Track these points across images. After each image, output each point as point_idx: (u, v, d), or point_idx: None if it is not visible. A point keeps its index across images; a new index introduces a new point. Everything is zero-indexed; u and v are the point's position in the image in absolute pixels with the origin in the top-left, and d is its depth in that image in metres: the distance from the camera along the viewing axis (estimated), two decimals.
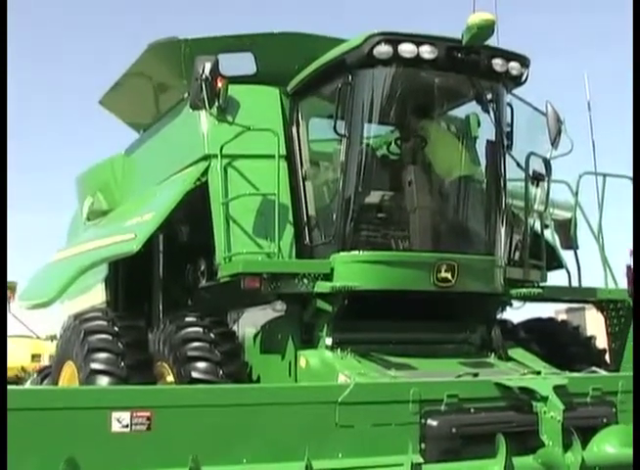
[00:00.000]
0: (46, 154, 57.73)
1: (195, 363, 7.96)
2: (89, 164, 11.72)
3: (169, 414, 5.63)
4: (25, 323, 21.15)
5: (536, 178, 9.14)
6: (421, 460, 6.06)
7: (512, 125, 8.87)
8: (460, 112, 9.34)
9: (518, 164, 8.96)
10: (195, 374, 7.88)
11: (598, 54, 52.52)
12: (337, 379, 7.47)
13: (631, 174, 9.60)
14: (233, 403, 5.88)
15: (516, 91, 8.98)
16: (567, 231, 10.29)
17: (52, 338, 17.30)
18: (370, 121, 8.52)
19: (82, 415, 5.42)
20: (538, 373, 7.85)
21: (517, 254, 9.16)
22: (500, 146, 8.69)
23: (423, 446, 6.31)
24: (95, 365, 8.10)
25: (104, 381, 7.97)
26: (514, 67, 8.42)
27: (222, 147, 8.46)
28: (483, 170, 8.98)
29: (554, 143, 9.16)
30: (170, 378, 8.27)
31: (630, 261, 9.67)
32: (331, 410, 6.05)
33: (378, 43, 8.02)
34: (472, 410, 6.63)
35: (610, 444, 6.77)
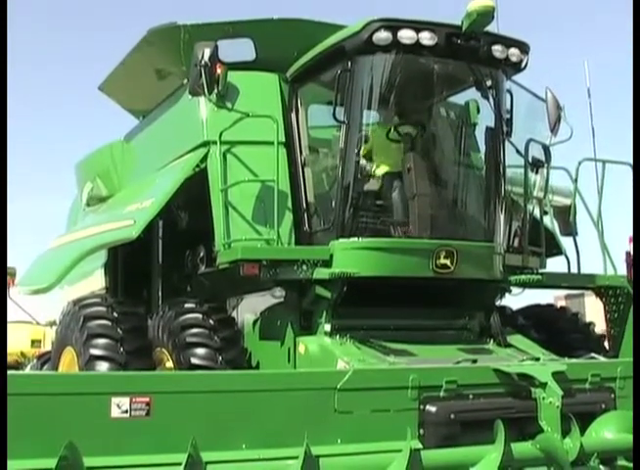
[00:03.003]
0: (45, 139, 57.59)
1: (194, 349, 7.99)
2: (89, 149, 11.75)
3: (169, 400, 5.61)
4: (25, 309, 21.17)
5: (536, 165, 9.14)
6: (420, 446, 6.02)
7: (511, 112, 8.86)
8: (459, 98, 9.35)
9: (517, 151, 8.95)
10: (194, 360, 7.91)
11: (599, 41, 52.35)
12: (336, 365, 7.46)
13: (631, 161, 9.61)
14: (232, 389, 5.86)
15: (515, 77, 8.97)
16: (566, 218, 10.29)
17: (51, 323, 17.31)
18: (369, 108, 8.53)
19: (82, 401, 5.40)
20: (537, 359, 7.83)
21: (516, 240, 9.18)
22: (500, 132, 8.68)
23: (422, 431, 6.28)
24: (94, 351, 8.13)
25: (103, 367, 8.00)
26: (513, 53, 8.40)
27: (221, 133, 8.47)
28: (483, 157, 9.01)
29: (553, 129, 9.17)
30: (170, 364, 8.29)
31: (629, 248, 9.74)
32: (330, 396, 6.03)
33: (377, 29, 8.01)
34: (470, 396, 6.60)
35: (608, 429, 6.76)
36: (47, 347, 18.07)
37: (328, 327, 8.06)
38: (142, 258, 10.44)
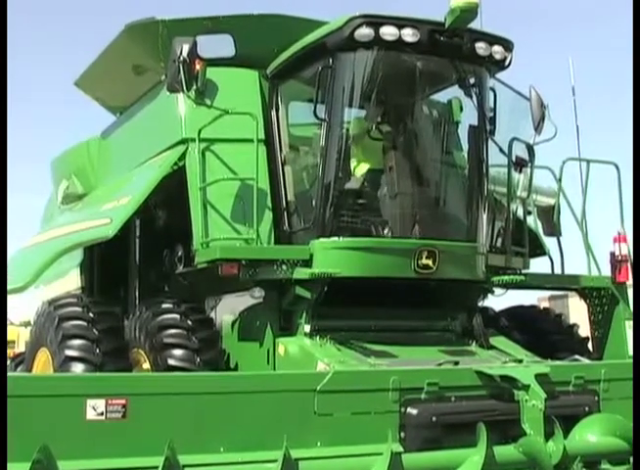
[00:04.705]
0: (20, 136, 57.23)
1: (171, 351, 7.93)
2: (64, 146, 11.70)
3: (145, 402, 5.60)
4: None
5: (519, 164, 9.05)
6: (401, 449, 6.05)
7: (495, 110, 8.83)
8: (442, 96, 9.31)
9: (500, 150, 8.87)
10: (171, 362, 7.85)
11: (583, 37, 52.54)
12: (316, 367, 7.41)
13: (616, 160, 9.77)
14: (210, 391, 5.86)
15: (499, 75, 8.91)
16: (550, 218, 10.28)
17: (26, 324, 17.17)
18: (351, 105, 8.45)
19: (56, 403, 5.40)
20: (520, 361, 7.83)
21: (499, 240, 9.10)
22: (483, 131, 8.63)
23: (403, 434, 6.30)
24: (69, 352, 8.05)
25: (78, 368, 7.91)
26: (497, 50, 8.35)
27: (200, 131, 8.39)
28: (466, 156, 8.94)
29: (537, 128, 9.11)
30: (146, 365, 8.24)
31: (614, 249, 9.71)
32: (309, 399, 6.05)
33: (359, 26, 7.95)
34: (452, 399, 6.62)
35: (592, 432, 6.79)
36: (21, 347, 17.94)
37: (308, 328, 8.03)
38: (119, 258, 10.36)
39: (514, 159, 8.96)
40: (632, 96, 9.31)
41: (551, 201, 10.30)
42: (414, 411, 6.37)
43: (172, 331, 8.06)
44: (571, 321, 10.31)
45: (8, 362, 12.95)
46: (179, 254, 9.25)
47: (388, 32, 7.94)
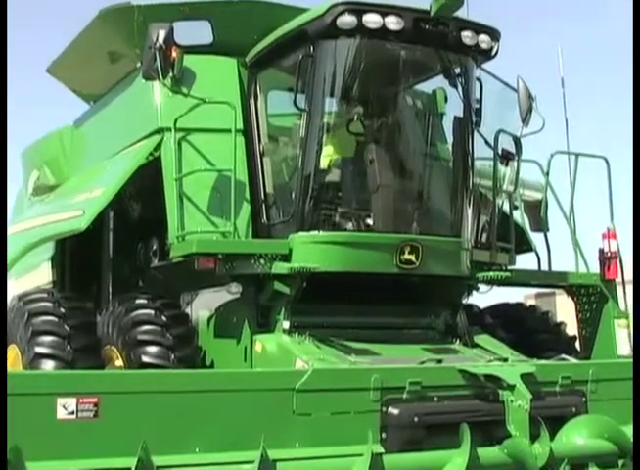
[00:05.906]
0: None
1: (145, 347, 7.85)
2: (36, 136, 11.48)
3: (118, 401, 5.52)
4: None
5: (506, 157, 9.00)
6: (381, 450, 5.97)
7: (481, 101, 8.72)
8: (427, 86, 9.22)
9: (486, 142, 8.82)
10: (145, 359, 7.77)
11: (572, 27, 52.66)
12: (294, 365, 7.33)
13: (606, 154, 9.72)
14: (185, 390, 5.78)
15: (486, 65, 8.85)
16: (537, 213, 10.28)
17: None
18: (332, 95, 8.38)
19: (26, 401, 5.29)
20: (505, 360, 7.76)
21: (484, 235, 9.06)
22: (468, 123, 8.55)
23: (384, 435, 6.23)
24: (39, 349, 8.00)
25: (49, 365, 7.87)
26: (484, 40, 8.25)
27: (176, 120, 8.26)
28: (450, 148, 8.87)
29: (525, 120, 9.02)
30: (119, 362, 8.15)
31: (603, 245, 9.68)
32: (288, 398, 5.97)
33: (341, 13, 7.84)
34: (435, 398, 6.57)
35: (579, 434, 6.78)
36: None
37: (286, 325, 7.92)
38: (91, 251, 10.28)
39: (500, 151, 8.91)
40: (632, 95, 9.31)
41: (538, 195, 10.30)
42: (395, 411, 6.30)
43: (146, 327, 7.97)
44: (559, 319, 10.32)
45: None
46: (154, 247, 9.18)
47: (372, 20, 7.84)
